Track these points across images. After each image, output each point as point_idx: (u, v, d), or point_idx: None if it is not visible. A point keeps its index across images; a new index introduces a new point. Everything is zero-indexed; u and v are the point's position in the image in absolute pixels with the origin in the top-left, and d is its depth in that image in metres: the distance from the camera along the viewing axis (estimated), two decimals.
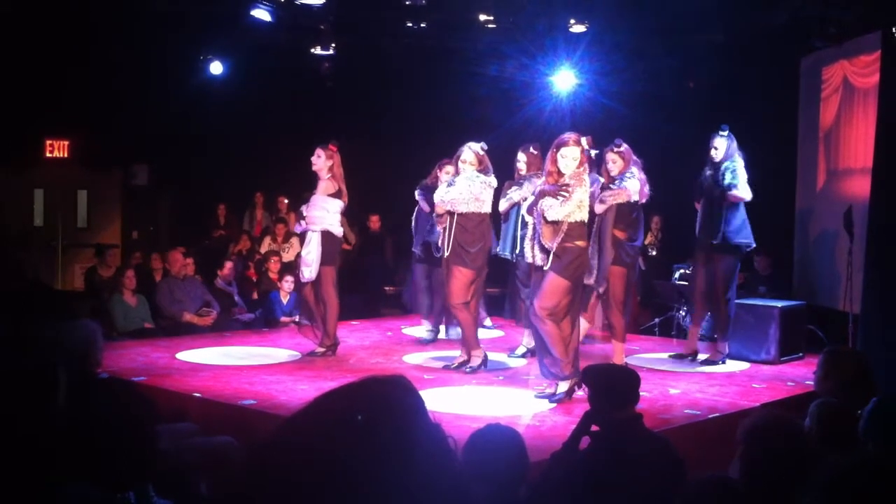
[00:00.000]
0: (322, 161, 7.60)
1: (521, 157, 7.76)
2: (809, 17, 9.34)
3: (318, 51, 11.01)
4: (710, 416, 5.99)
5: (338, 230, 7.62)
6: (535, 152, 7.68)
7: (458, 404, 6.01)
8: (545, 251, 6.04)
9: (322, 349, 7.65)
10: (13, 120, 10.72)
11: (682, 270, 9.49)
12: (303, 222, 7.63)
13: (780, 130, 10.44)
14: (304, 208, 7.67)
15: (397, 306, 10.86)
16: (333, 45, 10.97)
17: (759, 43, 10.12)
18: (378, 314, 10.42)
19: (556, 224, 6.01)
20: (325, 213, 7.53)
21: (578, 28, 10.24)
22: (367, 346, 8.38)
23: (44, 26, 9.93)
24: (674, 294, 9.50)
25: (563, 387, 6.11)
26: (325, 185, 7.57)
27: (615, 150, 7.18)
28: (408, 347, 8.27)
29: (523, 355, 7.76)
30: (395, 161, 11.55)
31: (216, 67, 11.59)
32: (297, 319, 9.60)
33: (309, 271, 7.51)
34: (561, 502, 3.44)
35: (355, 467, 1.30)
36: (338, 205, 7.59)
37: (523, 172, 7.71)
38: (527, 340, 7.79)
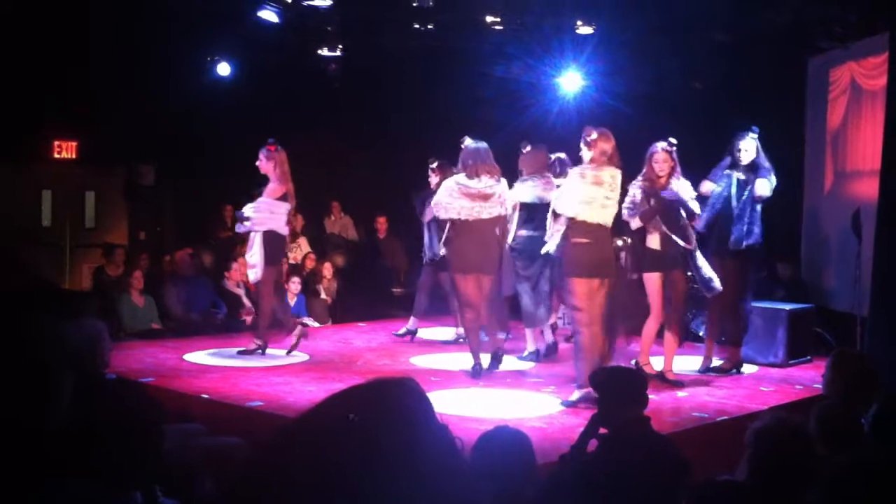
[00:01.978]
0: (264, 163, 7.61)
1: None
2: (813, 18, 9.31)
3: (325, 52, 11.02)
4: (719, 418, 5.98)
5: (283, 230, 7.65)
6: (525, 150, 7.65)
7: (465, 406, 6.00)
8: None
9: (256, 345, 7.67)
10: (21, 121, 10.73)
11: (689, 273, 9.43)
12: (247, 223, 7.56)
13: (787, 132, 10.41)
14: (245, 208, 7.59)
15: (404, 308, 10.83)
16: (340, 46, 10.97)
17: (765, 44, 10.09)
18: (385, 316, 10.41)
19: None
20: (269, 215, 7.51)
21: (586, 29, 10.23)
22: (374, 347, 8.38)
23: (51, 27, 9.94)
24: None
25: (576, 395, 6.10)
26: (273, 187, 7.58)
27: (668, 149, 6.98)
28: (415, 349, 8.26)
29: (529, 357, 7.74)
30: (401, 162, 11.54)
31: (223, 68, 11.60)
32: (304, 321, 9.61)
33: (254, 273, 7.52)
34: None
35: (361, 469, 1.29)
36: (285, 207, 7.62)
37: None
38: (530, 344, 7.77)
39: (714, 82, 10.51)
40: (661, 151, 6.93)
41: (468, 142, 7.20)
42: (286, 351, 7.67)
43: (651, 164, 6.95)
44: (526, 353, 7.80)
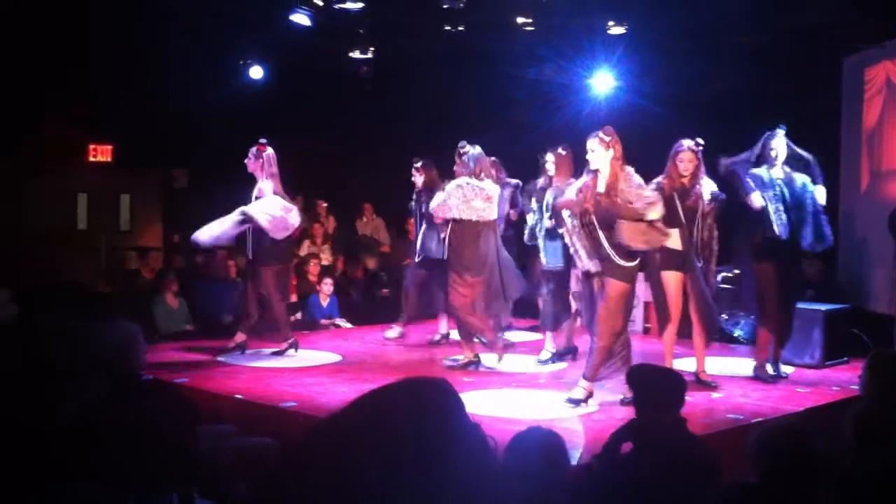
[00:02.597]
0: (252, 162, 7.71)
1: (550, 158, 7.61)
2: (846, 17, 9.20)
3: (356, 54, 11.06)
4: (754, 420, 5.91)
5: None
6: (564, 153, 7.58)
7: (497, 407, 5.99)
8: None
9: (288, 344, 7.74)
10: (57, 125, 10.88)
11: (723, 274, 9.36)
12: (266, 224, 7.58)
13: (822, 132, 10.29)
14: (260, 213, 7.57)
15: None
16: (371, 48, 11.01)
17: (798, 43, 9.99)
18: (417, 317, 10.39)
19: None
20: (285, 215, 7.62)
21: (617, 30, 10.18)
22: (406, 348, 8.39)
23: (88, 33, 10.06)
24: (715, 297, 9.37)
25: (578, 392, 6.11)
26: (266, 184, 7.66)
27: (694, 148, 6.81)
28: (448, 350, 8.25)
29: (550, 360, 7.68)
30: (434, 165, 11.55)
31: (256, 72, 11.68)
32: (336, 322, 9.66)
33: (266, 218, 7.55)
34: None
35: (393, 468, 1.29)
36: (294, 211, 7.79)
37: (551, 174, 7.58)
38: (549, 344, 7.73)
39: (746, 83, 10.43)
40: (688, 150, 6.76)
41: (469, 147, 7.28)
42: (271, 351, 7.79)
43: (675, 163, 6.77)
44: (546, 355, 7.71)
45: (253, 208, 7.52)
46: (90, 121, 11.51)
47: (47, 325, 5.75)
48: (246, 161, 7.71)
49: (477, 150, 7.36)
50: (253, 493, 3.84)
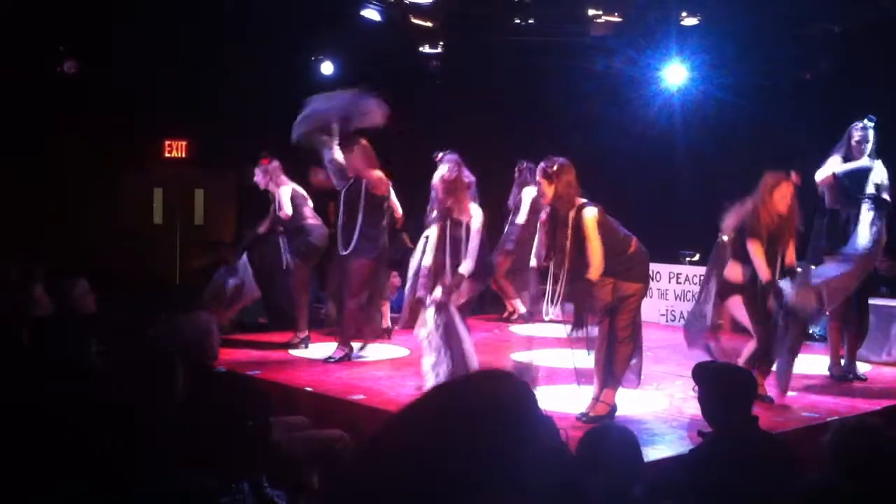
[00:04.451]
0: (261, 178, 8.01)
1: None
2: None
3: (426, 49, 11.08)
4: (830, 418, 5.78)
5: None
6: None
7: (565, 403, 5.95)
8: None
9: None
10: (135, 122, 11.12)
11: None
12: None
13: None
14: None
15: (501, 305, 10.79)
16: (441, 43, 11.02)
17: (881, 31, 9.71)
18: (484, 311, 10.40)
19: None
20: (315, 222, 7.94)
21: (691, 21, 10.03)
22: (474, 343, 8.38)
23: (164, 33, 10.27)
24: None
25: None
26: (285, 190, 7.95)
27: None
28: (515, 345, 8.24)
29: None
30: (501, 158, 11.53)
31: (327, 68, 11.78)
32: (389, 327, 9.61)
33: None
34: (674, 502, 3.38)
35: (468, 458, 1.29)
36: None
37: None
38: None
39: (826, 72, 10.18)
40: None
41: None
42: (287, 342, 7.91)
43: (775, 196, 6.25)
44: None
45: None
46: (165, 118, 11.74)
47: (145, 322, 5.92)
48: (255, 179, 7.94)
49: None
50: (327, 486, 3.90)
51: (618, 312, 5.60)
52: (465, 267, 6.24)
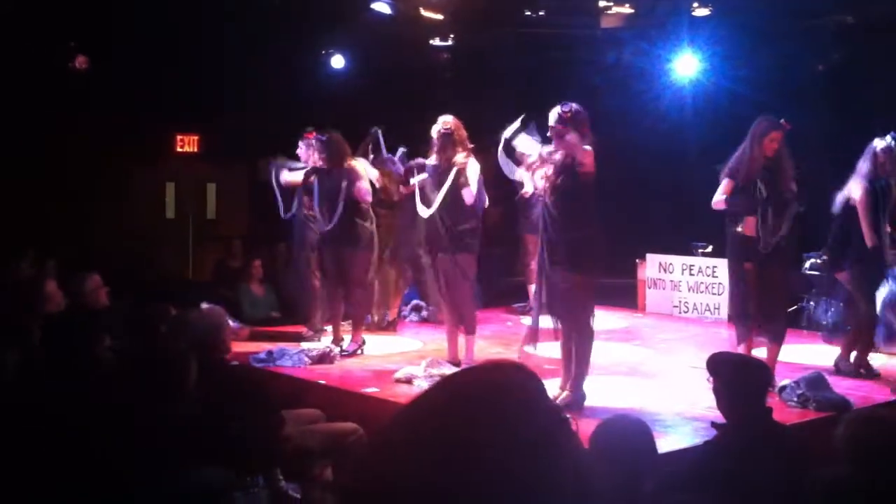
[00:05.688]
0: (304, 152, 7.90)
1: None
2: None
3: (436, 42, 11.07)
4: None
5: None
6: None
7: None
8: None
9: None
10: (146, 116, 11.15)
11: (812, 260, 9.13)
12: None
13: None
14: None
15: (517, 297, 10.78)
16: (451, 35, 11.00)
17: (894, 24, 9.64)
18: (498, 303, 10.40)
19: None
20: None
21: (702, 11, 9.99)
22: (486, 335, 8.38)
23: (174, 27, 10.28)
24: (804, 284, 9.17)
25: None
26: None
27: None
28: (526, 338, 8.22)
29: None
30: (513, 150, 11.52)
31: (337, 61, 11.78)
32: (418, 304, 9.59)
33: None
34: (687, 494, 3.38)
35: (476, 449, 1.29)
36: None
37: None
38: None
39: (837, 65, 10.12)
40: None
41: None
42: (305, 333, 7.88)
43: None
44: None
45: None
46: (177, 113, 11.76)
47: (158, 316, 5.93)
48: (298, 152, 7.91)
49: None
50: (341, 479, 3.91)
51: None
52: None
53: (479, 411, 1.33)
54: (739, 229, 6.26)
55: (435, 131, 6.69)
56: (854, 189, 6.75)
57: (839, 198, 6.85)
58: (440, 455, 1.29)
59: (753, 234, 6.17)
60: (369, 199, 7.40)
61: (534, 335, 6.02)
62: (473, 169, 6.66)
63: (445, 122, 6.69)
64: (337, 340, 7.48)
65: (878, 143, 6.76)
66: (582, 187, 5.59)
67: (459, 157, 6.62)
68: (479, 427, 1.31)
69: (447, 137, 6.62)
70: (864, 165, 6.77)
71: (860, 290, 6.78)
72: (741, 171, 6.25)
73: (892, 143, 6.74)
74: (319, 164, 7.58)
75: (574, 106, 5.73)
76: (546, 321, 5.90)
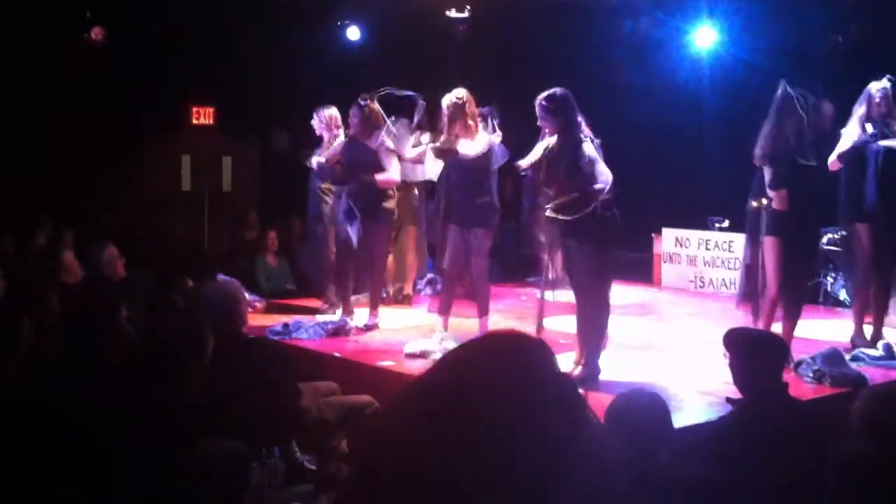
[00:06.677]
0: (318, 125, 7.89)
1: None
2: None
3: (452, 13, 10.99)
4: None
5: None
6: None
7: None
8: None
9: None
10: (163, 89, 11.14)
11: (829, 235, 9.06)
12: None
13: None
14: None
15: (533, 271, 10.76)
16: (468, 6, 10.92)
17: None
18: (512, 279, 10.39)
19: None
20: None
21: None
22: (501, 309, 8.38)
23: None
24: (821, 259, 9.11)
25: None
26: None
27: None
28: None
29: None
30: (529, 124, 11.45)
31: (353, 32, 11.72)
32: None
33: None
34: (702, 468, 3.37)
35: (487, 421, 1.29)
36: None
37: None
38: None
39: (860, 36, 9.99)
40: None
41: None
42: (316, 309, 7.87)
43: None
44: None
45: None
46: (193, 85, 11.75)
47: (174, 289, 5.94)
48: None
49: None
50: (354, 451, 3.92)
51: None
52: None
53: (490, 380, 1.32)
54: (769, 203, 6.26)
55: (445, 103, 6.62)
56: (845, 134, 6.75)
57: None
58: (453, 425, 1.29)
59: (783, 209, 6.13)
60: (389, 188, 7.37)
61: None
62: (482, 139, 6.64)
63: (458, 94, 6.65)
64: (348, 313, 7.48)
65: (874, 86, 6.73)
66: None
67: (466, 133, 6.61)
68: (491, 396, 1.31)
69: (458, 108, 6.57)
70: (858, 108, 6.76)
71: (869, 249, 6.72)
72: None
73: (888, 85, 6.71)
74: (350, 131, 7.56)
75: (558, 92, 5.72)
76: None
